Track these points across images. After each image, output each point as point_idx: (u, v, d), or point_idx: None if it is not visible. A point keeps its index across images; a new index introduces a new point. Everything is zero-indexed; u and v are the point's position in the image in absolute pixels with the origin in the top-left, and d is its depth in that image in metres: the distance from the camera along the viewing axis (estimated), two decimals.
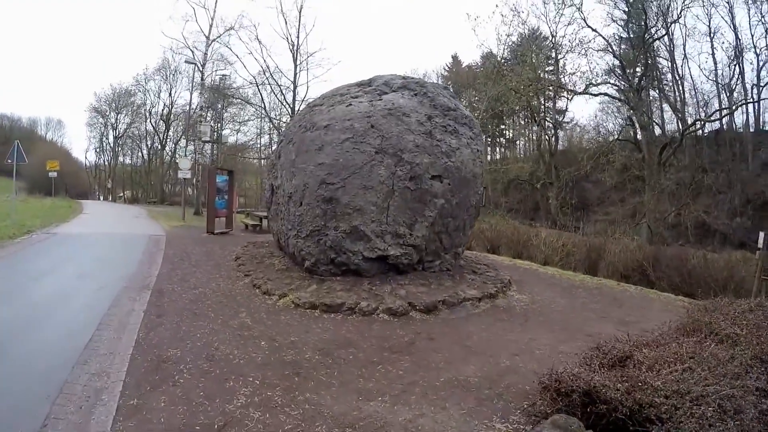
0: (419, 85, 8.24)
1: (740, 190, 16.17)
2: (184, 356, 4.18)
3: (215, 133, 30.03)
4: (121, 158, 43.95)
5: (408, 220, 7.00)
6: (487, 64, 36.90)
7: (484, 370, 4.23)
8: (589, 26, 18.70)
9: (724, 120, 17.49)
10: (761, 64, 17.76)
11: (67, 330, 4.76)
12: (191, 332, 4.81)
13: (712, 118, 17.12)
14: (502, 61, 36.47)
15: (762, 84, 16.98)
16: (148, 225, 15.89)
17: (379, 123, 7.12)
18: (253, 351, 4.39)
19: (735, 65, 18.58)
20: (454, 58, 43.08)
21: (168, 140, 38.30)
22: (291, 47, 24.06)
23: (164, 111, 37.39)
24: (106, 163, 45.83)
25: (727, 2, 17.71)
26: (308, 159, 7.21)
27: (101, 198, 45.35)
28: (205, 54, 24.41)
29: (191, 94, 24.98)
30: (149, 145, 40.52)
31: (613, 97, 18.72)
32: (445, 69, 42.82)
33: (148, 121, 38.97)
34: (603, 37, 18.72)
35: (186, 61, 24.89)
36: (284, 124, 26.87)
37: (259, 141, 35.65)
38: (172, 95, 36.74)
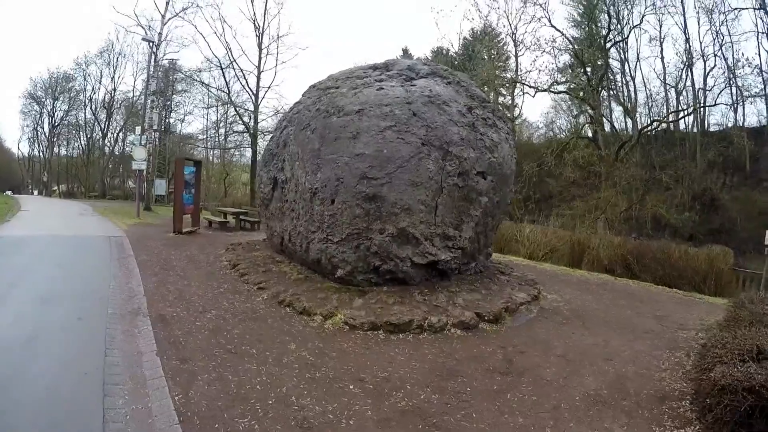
0: (449, 72, 7.56)
1: (688, 187, 18.53)
2: (268, 428, 3.05)
3: (164, 121, 26.82)
4: (56, 149, 39.14)
5: (454, 220, 6.35)
6: (439, 58, 37.41)
7: (601, 380, 4.06)
8: (553, 26, 19.58)
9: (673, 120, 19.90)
10: (708, 70, 20.42)
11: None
12: (245, 383, 3.58)
13: (671, 119, 19.28)
14: (454, 56, 37.00)
15: (708, 89, 19.67)
16: (100, 224, 13.61)
17: (421, 111, 6.30)
18: (351, 402, 3.40)
19: (683, 70, 21.12)
20: (405, 51, 43.71)
21: (109, 129, 34.54)
22: (256, 30, 21.91)
23: (106, 97, 33.57)
24: (41, 154, 41.13)
25: (681, 12, 20.07)
26: (340, 149, 6.14)
27: (35, 192, 40.82)
28: (160, 33, 21.57)
29: (148, 76, 21.65)
30: (89, 135, 35.91)
31: (575, 96, 19.97)
32: None
33: (88, 108, 34.84)
34: (566, 37, 19.82)
35: (143, 39, 21.37)
36: (248, 112, 24.64)
37: (218, 131, 32.49)
38: (115, 80, 33.12)
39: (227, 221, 13.24)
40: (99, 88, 33.84)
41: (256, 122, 23.69)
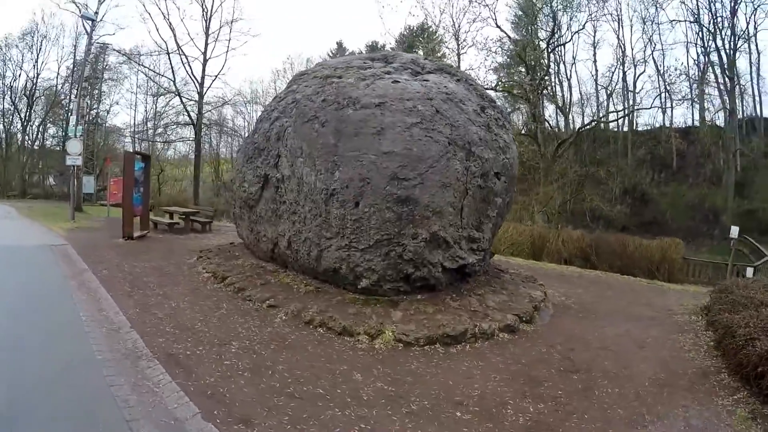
0: (455, 69, 7.40)
1: (620, 182, 21.24)
2: None
3: (90, 112, 22.59)
4: None
5: (475, 221, 6.24)
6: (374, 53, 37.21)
7: (652, 366, 4.36)
8: (499, 26, 20.69)
9: (607, 119, 22.59)
10: (638, 74, 23.51)
11: None
12: None
13: (611, 118, 21.85)
14: (390, 51, 37.28)
15: (636, 91, 22.73)
16: (32, 229, 11.68)
17: (443, 108, 6.02)
18: (475, 431, 3.06)
19: (614, 72, 23.96)
20: (339, 44, 43.26)
21: (29, 121, 28.32)
22: (204, 13, 19.54)
23: (27, 84, 27.38)
24: None
25: (617, 19, 22.81)
26: (363, 145, 5.56)
27: None
28: (96, 12, 18.20)
29: (85, 60, 18.21)
30: (5, 128, 28.79)
31: (516, 95, 21.47)
32: (329, 55, 42.37)
33: (6, 97, 27.92)
34: (509, 37, 21.10)
35: (82, 16, 17.68)
36: (193, 102, 21.87)
37: (146, 124, 28.30)
38: (38, 66, 26.99)
39: (177, 223, 11.46)
40: (20, 75, 27.73)
41: (200, 113, 21.15)
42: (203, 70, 21.37)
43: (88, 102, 24.62)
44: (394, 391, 3.61)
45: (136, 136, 27.74)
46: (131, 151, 15.03)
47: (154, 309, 5.04)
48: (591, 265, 11.32)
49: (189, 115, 22.25)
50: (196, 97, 22.01)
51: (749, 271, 8.67)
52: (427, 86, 6.29)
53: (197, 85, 21.49)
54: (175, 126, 25.44)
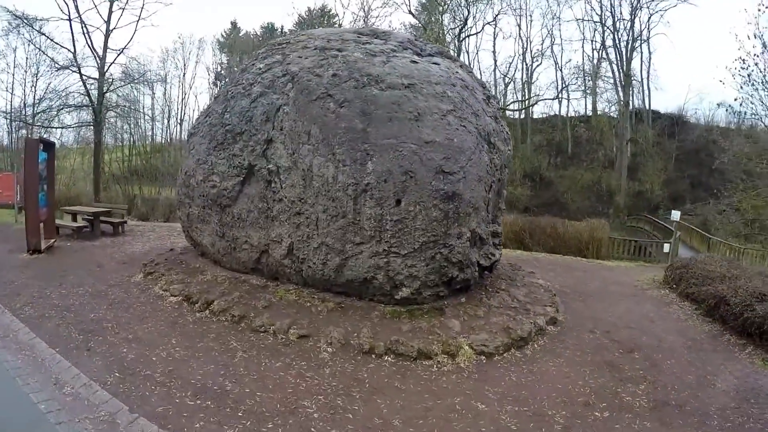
0: (452, 54, 6.99)
1: (520, 166, 23.81)
2: None
3: None
4: None
5: (494, 215, 6.11)
6: (272, 35, 34.72)
7: (675, 337, 4.99)
8: (411, 13, 20.85)
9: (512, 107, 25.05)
10: (535, 66, 26.51)
11: None
12: None
13: (519, 107, 24.13)
14: (287, 33, 35.00)
15: (533, 81, 25.85)
16: None
17: (464, 96, 5.61)
18: None
19: (511, 63, 26.56)
20: (234, 24, 39.79)
21: None
22: None
23: None
24: None
25: (521, 14, 25.27)
26: (401, 132, 4.78)
27: None
28: None
29: None
30: None
31: None
32: (222, 35, 38.22)
33: None
34: (422, 25, 21.49)
35: None
36: (91, 80, 16.97)
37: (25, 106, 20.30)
38: None
39: (86, 226, 8.38)
40: None
41: (101, 93, 16.57)
42: (105, 43, 16.93)
43: None
44: (528, 410, 3.19)
45: (14, 123, 19.71)
46: (33, 138, 10.42)
47: (142, 369, 3.37)
48: (525, 247, 12.49)
49: (89, 95, 17.06)
50: (96, 74, 16.97)
51: (666, 247, 10.93)
52: (445, 71, 5.77)
53: (98, 60, 16.82)
54: (67, 109, 18.72)
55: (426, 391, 3.45)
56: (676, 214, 10.66)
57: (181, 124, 34.94)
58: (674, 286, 6.57)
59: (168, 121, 34.32)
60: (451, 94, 5.33)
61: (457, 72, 6.02)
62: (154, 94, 31.91)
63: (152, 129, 33.38)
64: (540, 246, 12.00)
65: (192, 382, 3.26)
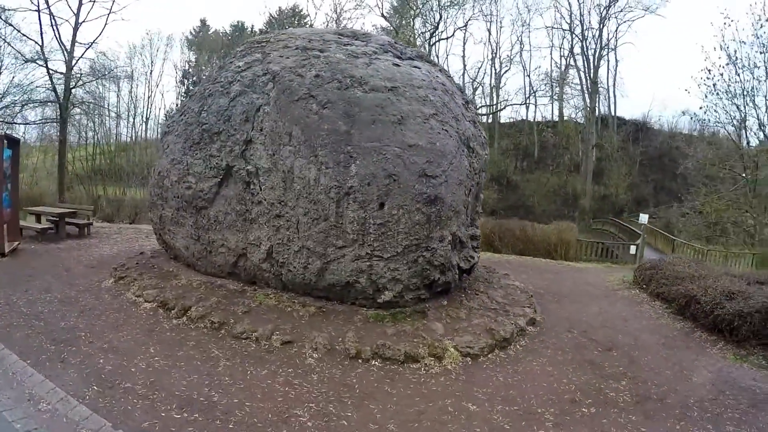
0: (431, 58, 7.06)
1: (488, 170, 23.94)
2: None
3: None
4: None
5: (472, 219, 6.21)
6: (242, 35, 34.20)
7: (650, 335, 5.25)
8: (383, 16, 20.95)
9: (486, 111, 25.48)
10: (503, 71, 27.03)
11: None
12: None
13: (494, 110, 24.53)
14: (257, 33, 34.53)
15: (501, 87, 26.40)
16: None
17: (445, 100, 5.70)
18: None
19: (480, 68, 27.03)
20: (203, 22, 39.44)
21: None
22: None
23: None
24: None
25: (492, 20, 25.77)
26: (384, 135, 4.78)
27: None
28: None
29: None
30: None
31: None
32: (191, 33, 37.19)
33: None
34: (394, 28, 21.61)
35: None
36: (58, 74, 15.99)
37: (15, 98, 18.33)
38: None
39: (50, 227, 7.85)
40: None
41: (68, 89, 15.68)
42: (73, 37, 15.88)
43: None
44: (518, 409, 3.26)
45: None
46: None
47: (121, 381, 3.18)
48: (495, 249, 12.76)
49: (55, 91, 15.99)
50: (63, 68, 16.01)
51: (632, 249, 11.44)
52: (426, 75, 5.83)
53: (65, 54, 15.78)
54: (31, 105, 17.31)
55: (416, 394, 3.45)
56: (644, 218, 11.21)
57: (146, 123, 33.50)
58: (644, 286, 6.91)
59: (134, 120, 32.79)
60: (433, 98, 5.39)
61: (437, 76, 6.09)
62: (120, 91, 30.46)
63: (117, 127, 31.76)
64: (509, 248, 12.28)
65: (176, 393, 3.11)
